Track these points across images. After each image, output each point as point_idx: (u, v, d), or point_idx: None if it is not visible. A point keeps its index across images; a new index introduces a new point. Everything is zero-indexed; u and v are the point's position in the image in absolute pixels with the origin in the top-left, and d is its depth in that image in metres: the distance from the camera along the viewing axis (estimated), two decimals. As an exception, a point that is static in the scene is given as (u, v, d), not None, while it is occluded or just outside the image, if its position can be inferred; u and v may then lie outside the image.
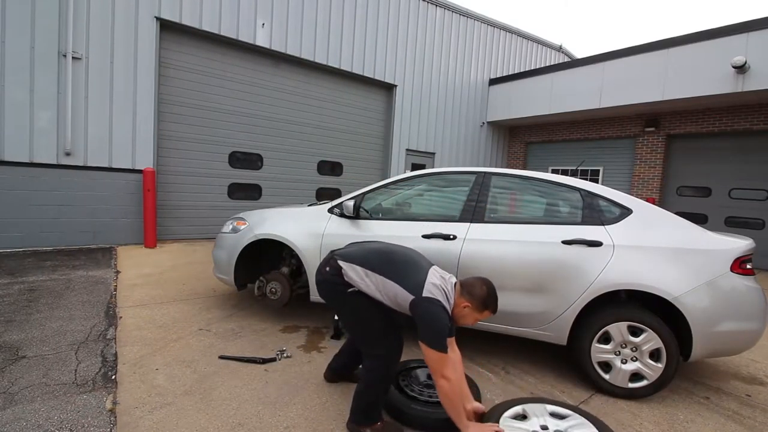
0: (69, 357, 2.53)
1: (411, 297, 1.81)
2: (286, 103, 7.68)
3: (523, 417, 1.97)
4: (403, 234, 2.89)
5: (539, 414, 1.97)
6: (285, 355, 2.78)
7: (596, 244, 2.50)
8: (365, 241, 2.29)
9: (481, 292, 1.89)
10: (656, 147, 8.48)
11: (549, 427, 1.89)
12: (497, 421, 1.90)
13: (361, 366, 2.11)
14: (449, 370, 1.76)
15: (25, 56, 5.16)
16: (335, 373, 2.45)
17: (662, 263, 2.40)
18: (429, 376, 2.27)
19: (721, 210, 7.77)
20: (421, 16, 9.28)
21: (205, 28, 6.45)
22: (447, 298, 1.87)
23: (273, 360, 2.70)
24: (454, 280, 1.99)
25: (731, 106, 7.40)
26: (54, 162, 5.46)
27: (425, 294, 1.80)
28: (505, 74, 11.05)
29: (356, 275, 1.93)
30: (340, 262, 1.98)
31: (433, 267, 2.00)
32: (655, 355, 2.38)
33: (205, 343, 2.91)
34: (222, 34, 6.61)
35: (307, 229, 3.15)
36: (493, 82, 10.86)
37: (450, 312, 1.88)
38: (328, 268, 2.01)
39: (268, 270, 3.43)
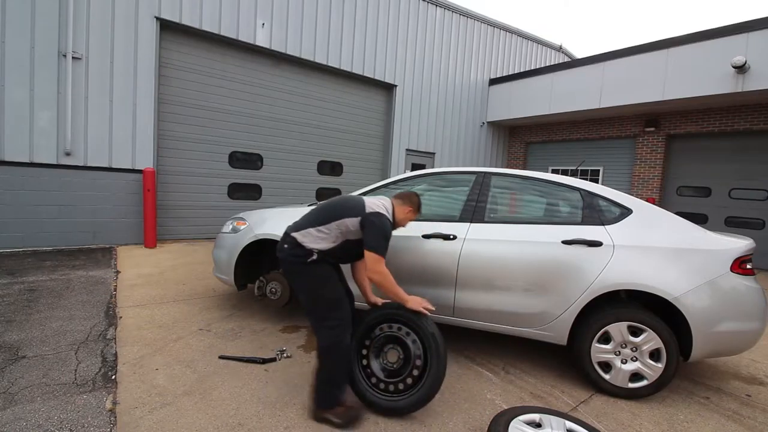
0: (69, 357, 2.53)
1: (359, 218, 2.12)
2: (286, 103, 7.68)
3: (537, 425, 1.92)
4: (402, 233, 2.88)
5: (555, 427, 1.89)
6: (285, 355, 2.77)
7: (596, 244, 2.50)
8: (310, 211, 2.32)
9: (417, 199, 2.42)
10: (656, 147, 8.48)
11: None
12: (509, 421, 1.87)
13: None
14: (384, 265, 2.11)
15: (25, 56, 5.16)
16: None
17: (662, 263, 2.40)
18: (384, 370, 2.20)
19: (721, 210, 7.77)
20: (421, 16, 9.28)
21: (205, 28, 6.45)
22: (387, 210, 2.23)
23: (273, 360, 2.70)
24: (388, 198, 2.37)
25: (731, 106, 7.40)
26: (54, 162, 5.46)
27: (368, 210, 2.14)
28: (505, 74, 11.05)
29: (311, 238, 2.10)
30: (294, 234, 2.12)
31: (367, 196, 2.36)
32: (655, 355, 2.38)
33: (205, 343, 2.91)
34: (222, 34, 6.61)
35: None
36: (493, 82, 10.86)
37: (391, 220, 2.26)
38: (286, 245, 2.13)
39: (268, 270, 3.43)
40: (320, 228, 2.11)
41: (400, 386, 2.12)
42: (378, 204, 2.21)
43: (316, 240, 2.10)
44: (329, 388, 2.03)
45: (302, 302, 2.17)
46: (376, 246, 2.09)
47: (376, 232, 2.10)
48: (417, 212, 2.42)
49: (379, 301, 2.42)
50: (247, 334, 3.12)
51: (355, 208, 2.16)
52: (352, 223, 2.12)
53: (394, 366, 2.16)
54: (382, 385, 2.16)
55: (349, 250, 2.20)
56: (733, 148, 7.63)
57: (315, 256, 2.08)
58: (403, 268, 2.86)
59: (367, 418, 2.10)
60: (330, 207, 2.21)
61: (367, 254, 2.09)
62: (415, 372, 2.10)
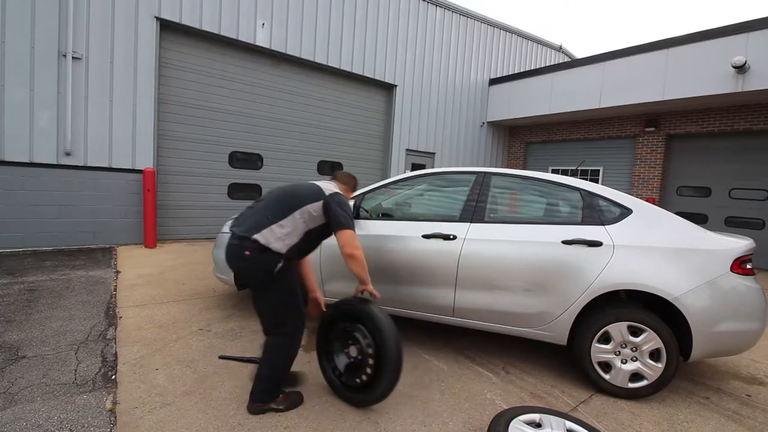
0: (69, 357, 2.53)
1: (321, 201, 2.07)
2: (286, 103, 7.68)
3: (537, 425, 1.92)
4: (403, 234, 2.89)
5: (555, 427, 1.89)
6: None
7: (596, 244, 2.50)
8: (251, 206, 2.16)
9: (354, 181, 2.52)
10: (656, 147, 8.48)
11: None
12: (509, 421, 1.88)
13: (262, 347, 2.11)
14: (358, 242, 2.09)
15: (25, 56, 5.16)
16: None
17: (662, 263, 2.40)
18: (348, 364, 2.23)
19: (721, 210, 7.77)
20: (421, 16, 9.28)
21: (205, 28, 6.45)
22: (338, 190, 2.23)
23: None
24: (328, 181, 2.35)
25: (731, 106, 7.39)
26: (54, 162, 5.46)
27: (327, 192, 2.11)
28: (505, 74, 11.05)
29: (276, 238, 1.96)
30: (256, 237, 1.93)
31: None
32: (655, 355, 2.38)
33: (205, 343, 2.91)
34: (222, 34, 6.61)
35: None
36: (493, 82, 10.86)
37: None
38: (248, 252, 1.92)
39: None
40: (282, 223, 1.98)
41: (363, 378, 2.12)
42: (330, 186, 2.21)
43: (280, 239, 1.96)
44: (273, 385, 2.08)
45: (260, 309, 2.06)
46: (348, 222, 2.07)
47: (343, 210, 2.08)
48: (352, 193, 2.57)
49: (323, 300, 2.43)
50: (247, 334, 3.12)
51: (314, 192, 2.10)
52: (314, 208, 2.05)
53: (354, 360, 2.16)
54: (344, 378, 2.21)
55: (310, 242, 2.13)
56: (733, 148, 7.63)
57: (282, 262, 1.97)
58: (403, 268, 2.86)
59: (367, 418, 2.11)
60: (285, 197, 2.08)
61: (342, 233, 2.05)
62: (370, 365, 2.08)
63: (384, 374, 2.04)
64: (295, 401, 2.15)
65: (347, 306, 2.21)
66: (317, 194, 2.09)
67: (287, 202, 2.05)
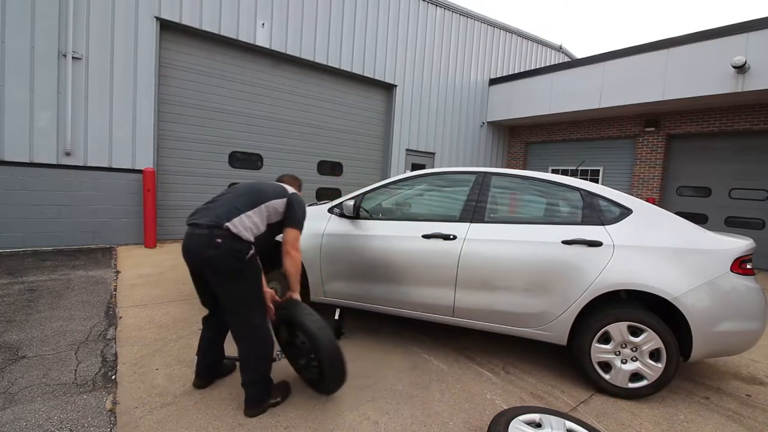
0: (69, 357, 2.53)
1: (284, 199, 2.25)
2: (286, 103, 7.68)
3: (537, 425, 1.92)
4: (403, 234, 2.89)
5: (555, 427, 1.89)
6: (284, 355, 2.77)
7: (596, 244, 2.50)
8: (212, 200, 2.16)
9: (299, 182, 2.66)
10: (656, 147, 8.48)
11: None
12: (509, 421, 1.87)
13: (238, 353, 2.08)
14: (299, 245, 2.25)
15: (25, 56, 5.16)
16: (207, 374, 2.33)
17: (662, 263, 2.40)
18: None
19: (721, 210, 7.77)
20: (421, 16, 9.28)
21: (205, 27, 6.45)
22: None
23: (273, 360, 2.69)
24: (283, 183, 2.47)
25: (731, 106, 7.39)
26: (54, 162, 5.46)
27: (290, 191, 2.31)
28: (505, 74, 11.05)
29: (245, 227, 2.01)
30: (228, 225, 1.94)
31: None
32: (655, 355, 2.38)
33: (205, 343, 2.91)
34: (222, 34, 6.61)
35: (307, 228, 3.12)
36: (493, 82, 10.86)
37: None
38: (219, 240, 1.92)
39: (268, 269, 3.43)
40: (250, 214, 2.05)
41: (315, 373, 2.20)
42: (289, 187, 2.40)
43: (249, 228, 2.02)
44: (265, 384, 2.10)
45: (230, 303, 2.03)
46: (300, 223, 2.25)
47: (301, 211, 2.28)
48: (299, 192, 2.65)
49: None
50: (247, 334, 3.12)
51: (280, 190, 2.27)
52: (279, 204, 2.21)
53: (306, 358, 2.24)
54: (303, 372, 2.34)
55: (269, 235, 2.23)
56: (733, 148, 7.63)
57: (252, 250, 2.02)
58: (403, 268, 2.86)
59: (367, 417, 2.11)
60: (252, 192, 2.18)
61: (293, 230, 2.21)
62: (314, 365, 2.17)
63: (326, 375, 2.11)
64: (287, 390, 2.20)
65: (283, 312, 2.26)
66: (282, 193, 2.26)
67: (255, 196, 2.15)
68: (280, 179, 2.58)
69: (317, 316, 2.14)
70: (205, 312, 2.31)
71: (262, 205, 2.13)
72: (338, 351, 2.08)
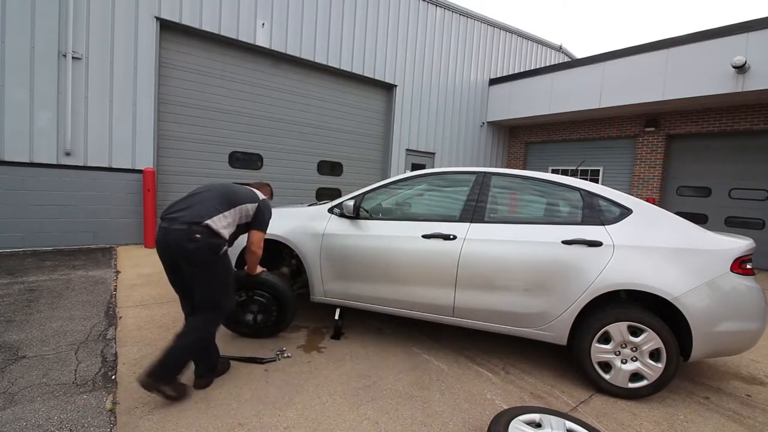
0: (69, 357, 2.53)
1: (256, 204, 2.45)
2: (286, 103, 7.68)
3: (537, 425, 1.92)
4: (403, 234, 2.89)
5: (555, 427, 1.89)
6: (285, 355, 2.78)
7: (596, 244, 2.50)
8: (187, 197, 2.36)
9: (269, 187, 2.90)
10: (656, 147, 8.48)
11: None
12: (509, 421, 1.87)
13: (188, 323, 2.29)
14: (262, 244, 2.54)
15: (25, 56, 5.16)
16: (206, 374, 2.37)
17: (662, 263, 2.40)
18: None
19: (721, 210, 7.77)
20: (421, 16, 9.28)
21: (205, 28, 6.45)
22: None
23: (273, 360, 2.70)
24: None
25: (731, 106, 7.39)
26: (54, 162, 5.46)
27: (261, 197, 2.53)
28: (505, 74, 11.05)
29: (221, 225, 2.23)
30: (208, 222, 2.16)
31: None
32: (655, 355, 2.38)
33: (205, 343, 2.90)
34: (222, 34, 6.61)
35: (307, 229, 3.14)
36: (493, 82, 10.86)
37: None
38: (199, 235, 2.13)
39: (268, 269, 3.43)
40: (226, 214, 2.27)
41: (273, 317, 2.95)
42: (260, 192, 2.61)
43: (225, 227, 2.25)
44: (179, 365, 2.13)
45: (200, 286, 2.21)
46: (266, 226, 2.51)
47: (268, 215, 2.52)
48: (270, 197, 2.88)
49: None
50: (247, 334, 3.12)
51: (252, 195, 2.49)
52: (251, 208, 2.42)
53: (264, 309, 2.94)
54: (259, 319, 2.95)
55: (235, 236, 2.42)
56: (733, 148, 7.63)
57: (226, 246, 2.27)
58: (403, 268, 2.86)
59: (367, 418, 2.11)
60: (228, 194, 2.37)
61: (257, 233, 2.47)
62: (274, 310, 2.92)
63: (287, 316, 2.96)
64: (183, 392, 2.18)
65: (249, 278, 2.82)
66: (254, 198, 2.48)
67: (231, 198, 2.35)
68: (249, 184, 2.73)
69: (275, 276, 2.92)
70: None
71: (236, 207, 2.33)
72: (294, 296, 2.96)
